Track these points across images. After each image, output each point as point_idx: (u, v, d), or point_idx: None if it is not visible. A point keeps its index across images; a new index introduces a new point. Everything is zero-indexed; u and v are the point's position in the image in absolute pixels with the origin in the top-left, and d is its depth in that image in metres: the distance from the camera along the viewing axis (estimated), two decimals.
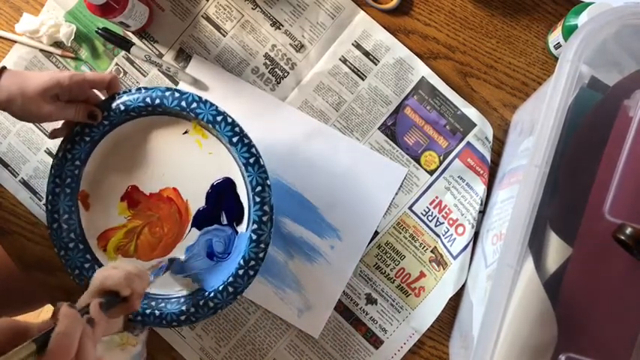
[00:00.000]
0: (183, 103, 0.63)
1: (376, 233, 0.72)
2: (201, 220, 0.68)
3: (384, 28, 0.72)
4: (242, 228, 0.66)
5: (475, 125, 0.71)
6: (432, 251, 0.71)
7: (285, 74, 0.73)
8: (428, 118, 0.71)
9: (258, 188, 0.63)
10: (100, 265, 0.67)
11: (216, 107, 0.63)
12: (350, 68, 0.72)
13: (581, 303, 0.50)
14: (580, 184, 0.51)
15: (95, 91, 0.65)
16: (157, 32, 0.74)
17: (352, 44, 0.72)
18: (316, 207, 0.72)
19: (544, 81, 0.71)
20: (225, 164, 0.66)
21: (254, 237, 0.63)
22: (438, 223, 0.71)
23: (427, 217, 0.72)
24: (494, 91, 0.72)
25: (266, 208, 0.63)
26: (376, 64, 0.72)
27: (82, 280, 0.66)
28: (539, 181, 0.47)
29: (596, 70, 0.54)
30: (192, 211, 0.68)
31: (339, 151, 0.72)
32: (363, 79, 0.72)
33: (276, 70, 0.73)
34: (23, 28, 0.74)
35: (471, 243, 0.69)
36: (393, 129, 0.72)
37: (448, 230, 0.71)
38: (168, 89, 0.64)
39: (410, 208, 0.72)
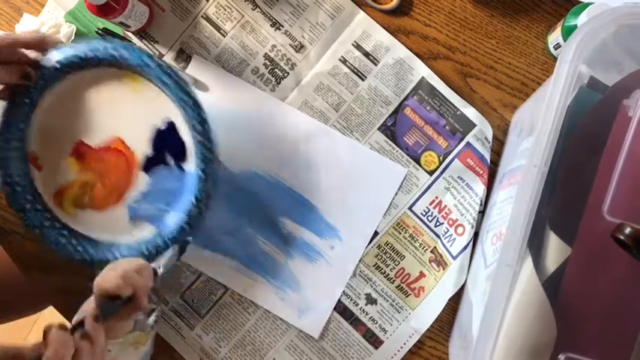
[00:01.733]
0: (115, 53, 0.64)
1: (376, 233, 0.72)
2: (149, 164, 0.69)
3: (384, 28, 0.72)
4: (190, 167, 0.67)
5: (475, 125, 0.71)
6: (431, 251, 0.71)
7: (285, 75, 0.73)
8: (428, 119, 0.71)
9: (199, 127, 0.64)
10: (60, 223, 0.69)
11: (148, 53, 0.65)
12: (350, 69, 0.72)
13: (581, 303, 0.50)
14: (579, 184, 0.51)
15: (25, 51, 0.62)
16: (157, 32, 0.74)
17: (352, 44, 0.72)
18: (316, 207, 0.72)
19: (544, 81, 0.71)
20: (164, 107, 0.67)
21: (202, 175, 0.65)
22: (437, 224, 0.71)
23: (427, 218, 0.72)
24: (494, 91, 0.72)
25: (209, 145, 0.65)
26: (376, 65, 0.72)
27: (45, 239, 0.68)
28: (538, 181, 0.47)
29: (596, 71, 0.54)
30: (139, 157, 0.69)
31: (339, 151, 0.72)
32: (362, 80, 0.72)
33: (276, 70, 0.73)
34: (23, 29, 0.74)
35: (471, 243, 0.69)
36: (392, 129, 0.72)
37: (448, 230, 0.71)
38: (98, 41, 0.65)
39: (410, 208, 0.72)
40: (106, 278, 0.52)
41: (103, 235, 0.69)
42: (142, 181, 0.69)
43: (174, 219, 0.67)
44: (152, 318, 0.62)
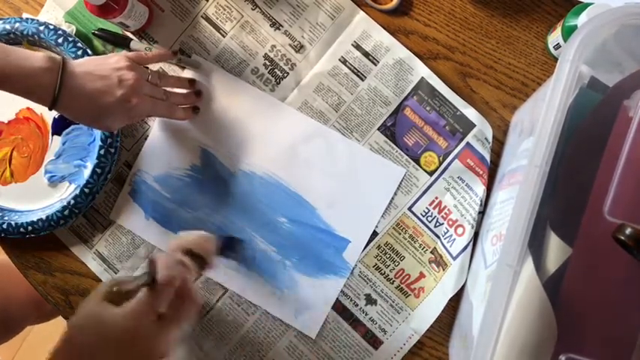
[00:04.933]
0: (9, 27, 0.72)
1: (376, 234, 0.72)
2: (59, 126, 0.75)
3: (384, 28, 0.72)
4: None
5: (475, 126, 0.71)
6: (431, 252, 0.71)
7: (285, 75, 0.73)
8: (427, 119, 0.71)
9: None
10: None
11: (39, 20, 0.72)
12: (350, 69, 0.72)
13: (581, 303, 0.50)
14: (580, 184, 0.51)
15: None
16: (157, 33, 0.74)
17: (352, 45, 0.72)
18: (314, 207, 0.72)
19: (543, 82, 0.71)
20: None
21: None
22: (437, 224, 0.71)
23: (427, 218, 0.72)
24: (494, 91, 0.72)
25: None
26: (376, 65, 0.72)
27: None
28: (539, 181, 0.47)
29: (596, 71, 0.54)
30: (49, 121, 0.75)
31: (338, 152, 0.72)
32: (362, 80, 0.72)
33: (276, 70, 0.73)
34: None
35: (471, 244, 0.69)
36: (392, 130, 0.72)
37: (448, 231, 0.71)
38: None
39: (409, 208, 0.72)
40: (185, 237, 0.62)
41: (29, 204, 0.75)
42: (56, 142, 0.75)
43: (89, 171, 0.72)
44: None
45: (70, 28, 0.74)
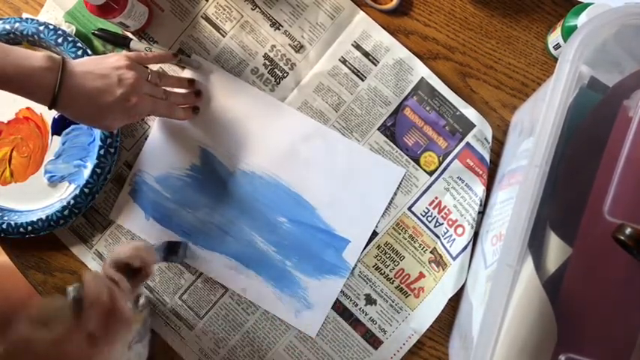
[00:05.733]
0: (9, 27, 0.72)
1: (376, 234, 0.72)
2: (59, 126, 0.75)
3: (384, 28, 0.72)
4: None
5: (474, 126, 0.71)
6: (431, 252, 0.71)
7: (285, 75, 0.73)
8: (427, 119, 0.71)
9: None
10: None
11: (38, 20, 0.72)
12: (349, 69, 0.72)
13: (581, 303, 0.50)
14: (580, 184, 0.51)
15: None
16: (157, 33, 0.74)
17: (352, 45, 0.72)
18: (314, 207, 0.72)
19: (543, 82, 0.71)
20: None
21: None
22: (437, 224, 0.71)
23: (427, 218, 0.72)
24: (494, 91, 0.72)
25: None
26: (376, 65, 0.72)
27: None
28: (539, 181, 0.47)
29: (596, 71, 0.54)
30: (49, 121, 0.75)
31: (337, 152, 0.72)
32: (362, 80, 0.72)
33: (276, 70, 0.73)
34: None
35: (471, 244, 0.69)
36: (392, 130, 0.72)
37: (447, 231, 0.71)
38: None
39: (409, 208, 0.72)
40: (120, 251, 0.61)
41: (29, 204, 0.75)
42: (55, 142, 0.75)
43: (89, 171, 0.72)
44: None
45: (70, 28, 0.74)
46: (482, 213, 0.70)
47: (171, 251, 0.70)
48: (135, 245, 0.62)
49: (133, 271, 0.61)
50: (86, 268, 0.75)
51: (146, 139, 0.74)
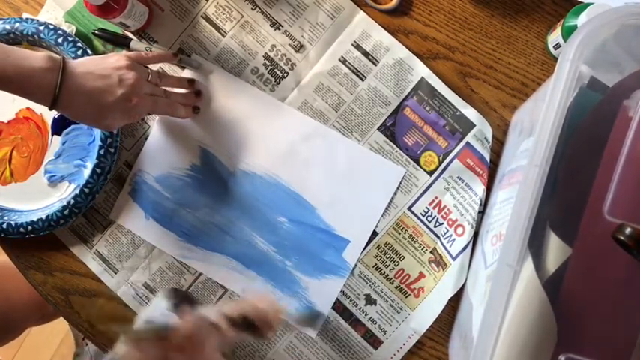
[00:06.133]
0: (9, 27, 0.72)
1: (375, 234, 0.72)
2: (59, 126, 0.75)
3: (384, 28, 0.72)
4: None
5: (474, 126, 0.71)
6: (431, 252, 0.71)
7: (285, 75, 0.73)
8: (427, 119, 0.71)
9: None
10: None
11: (39, 20, 0.72)
12: (349, 69, 0.72)
13: (581, 303, 0.50)
14: (580, 184, 0.51)
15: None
16: (157, 33, 0.74)
17: (352, 45, 0.72)
18: (314, 207, 0.72)
19: (543, 81, 0.71)
20: None
21: None
22: (437, 224, 0.71)
23: (427, 218, 0.72)
24: (494, 91, 0.72)
25: None
26: (376, 65, 0.72)
27: None
28: (539, 181, 0.47)
29: (596, 71, 0.54)
30: (49, 121, 0.75)
31: (337, 151, 0.72)
32: (362, 80, 0.72)
33: (276, 70, 0.73)
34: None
35: (471, 243, 0.69)
36: (392, 129, 0.72)
37: (447, 231, 0.71)
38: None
39: (409, 208, 0.72)
40: (240, 305, 0.57)
41: (29, 204, 0.75)
42: (55, 142, 0.75)
43: (89, 171, 0.72)
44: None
45: (70, 28, 0.74)
46: (482, 213, 0.70)
47: (311, 323, 0.70)
48: (266, 298, 0.60)
49: (249, 327, 0.57)
50: (87, 268, 0.75)
51: (146, 139, 0.74)
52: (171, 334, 0.50)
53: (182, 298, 0.56)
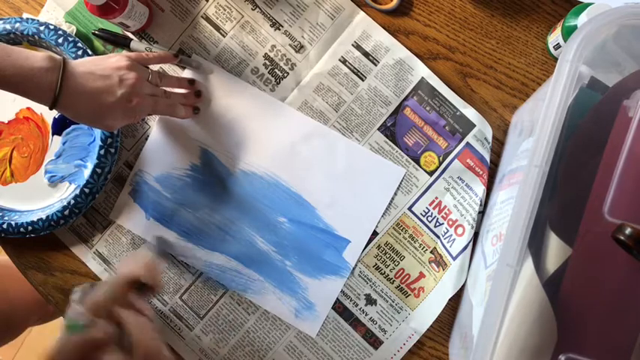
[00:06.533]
0: (9, 27, 0.72)
1: (376, 234, 0.72)
2: (60, 126, 0.75)
3: (384, 28, 0.72)
4: None
5: (474, 126, 0.71)
6: (431, 252, 0.71)
7: (285, 75, 0.73)
8: (427, 119, 0.71)
9: None
10: None
11: (39, 20, 0.73)
12: (350, 69, 0.72)
13: (581, 303, 0.50)
14: (580, 184, 0.51)
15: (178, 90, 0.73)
16: (157, 33, 0.74)
17: (352, 45, 0.72)
18: (314, 207, 0.72)
19: (544, 81, 0.71)
20: None
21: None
22: (437, 224, 0.71)
23: (427, 218, 0.72)
24: (494, 91, 0.72)
25: None
26: (376, 65, 0.72)
27: None
28: (539, 181, 0.47)
29: (596, 71, 0.54)
30: (49, 121, 0.75)
31: (338, 151, 0.72)
32: (362, 80, 0.72)
33: (276, 70, 0.73)
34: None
35: (471, 244, 0.69)
36: (392, 130, 0.72)
37: (448, 231, 0.71)
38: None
39: (409, 208, 0.72)
40: (133, 269, 0.59)
41: (29, 204, 0.75)
42: (56, 142, 0.75)
43: (89, 171, 0.72)
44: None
45: (71, 29, 0.74)
46: (482, 213, 0.70)
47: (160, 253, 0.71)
48: (147, 263, 0.61)
49: (141, 285, 0.59)
50: (87, 268, 0.75)
51: (146, 139, 0.74)
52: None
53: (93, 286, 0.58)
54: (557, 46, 0.68)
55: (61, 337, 0.51)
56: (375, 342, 0.72)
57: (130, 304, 0.55)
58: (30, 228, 0.72)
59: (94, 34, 0.74)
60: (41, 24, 0.71)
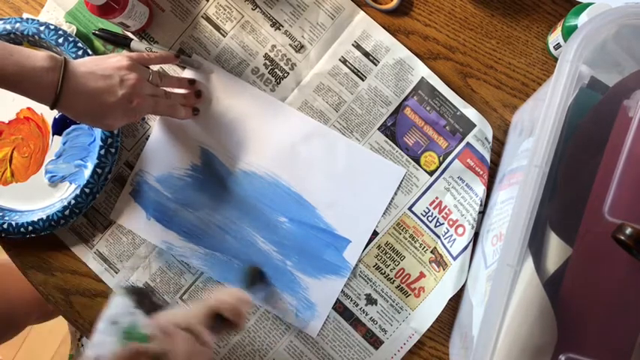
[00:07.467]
0: (9, 27, 0.72)
1: (376, 234, 0.72)
2: (60, 126, 0.75)
3: (384, 28, 0.72)
4: None
5: (475, 126, 0.71)
6: (431, 252, 0.71)
7: (285, 75, 0.73)
8: (428, 119, 0.71)
9: None
10: None
11: (39, 20, 0.73)
12: (350, 69, 0.72)
13: (581, 303, 0.50)
14: (580, 184, 0.51)
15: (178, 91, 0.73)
16: (157, 33, 0.74)
17: (352, 45, 0.72)
18: (315, 207, 0.72)
19: (544, 81, 0.71)
20: None
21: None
22: (437, 224, 0.71)
23: (427, 218, 0.72)
24: (494, 91, 0.72)
25: None
26: (376, 65, 0.72)
27: None
28: (539, 181, 0.47)
29: (596, 71, 0.54)
30: (50, 121, 0.75)
31: (338, 151, 0.72)
32: (363, 80, 0.72)
33: (276, 70, 0.73)
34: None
35: (471, 244, 0.69)
36: (392, 129, 0.72)
37: (448, 231, 0.71)
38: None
39: (410, 208, 0.72)
40: (221, 300, 0.59)
41: (29, 204, 0.75)
42: (56, 143, 0.75)
43: (89, 171, 0.72)
44: None
45: (71, 29, 0.74)
46: (482, 213, 0.70)
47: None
48: (235, 294, 0.60)
49: (222, 320, 0.58)
50: (87, 268, 0.76)
51: (147, 139, 0.74)
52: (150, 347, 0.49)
53: (141, 295, 0.56)
54: (558, 46, 0.68)
55: (115, 341, 0.49)
56: (375, 342, 0.72)
57: (198, 333, 0.54)
58: (30, 228, 0.72)
59: (94, 34, 0.74)
60: (41, 24, 0.72)
